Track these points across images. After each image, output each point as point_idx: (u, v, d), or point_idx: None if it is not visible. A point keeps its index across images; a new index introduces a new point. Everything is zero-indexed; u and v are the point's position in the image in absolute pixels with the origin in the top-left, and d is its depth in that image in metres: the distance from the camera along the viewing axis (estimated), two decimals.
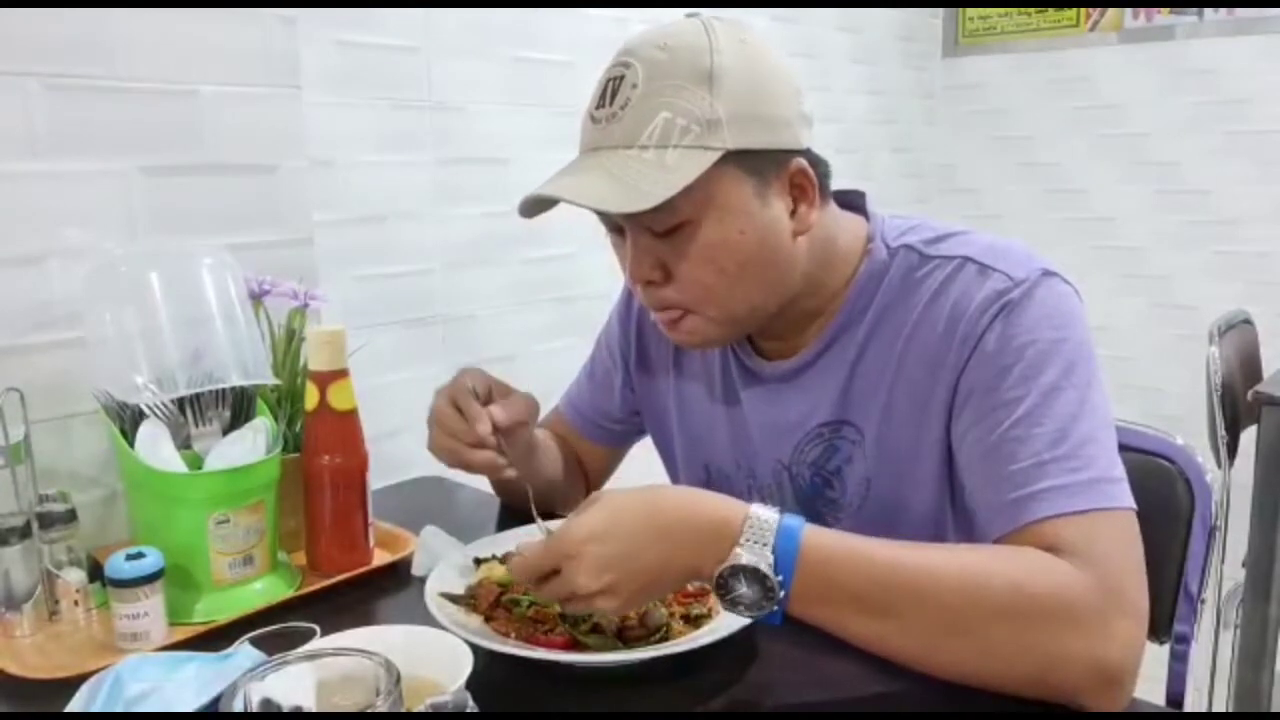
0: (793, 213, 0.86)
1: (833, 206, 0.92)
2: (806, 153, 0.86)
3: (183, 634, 0.87)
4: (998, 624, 0.70)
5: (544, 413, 1.22)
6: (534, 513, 0.92)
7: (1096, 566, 0.71)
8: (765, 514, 0.71)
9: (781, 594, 0.70)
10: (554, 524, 0.95)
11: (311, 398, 0.97)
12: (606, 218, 0.87)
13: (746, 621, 0.78)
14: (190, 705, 0.68)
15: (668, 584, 0.76)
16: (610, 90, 0.83)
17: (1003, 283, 0.82)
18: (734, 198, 0.82)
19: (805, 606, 0.72)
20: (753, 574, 0.70)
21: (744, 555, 0.70)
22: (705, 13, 0.86)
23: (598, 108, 0.84)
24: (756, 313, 0.88)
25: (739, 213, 0.83)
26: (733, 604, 0.72)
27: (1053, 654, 0.70)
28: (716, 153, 0.80)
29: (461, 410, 0.95)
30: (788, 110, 0.84)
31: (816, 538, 0.72)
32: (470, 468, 0.97)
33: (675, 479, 1.12)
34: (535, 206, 0.87)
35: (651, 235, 0.84)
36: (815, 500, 0.95)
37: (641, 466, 1.16)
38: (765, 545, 0.70)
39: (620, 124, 0.81)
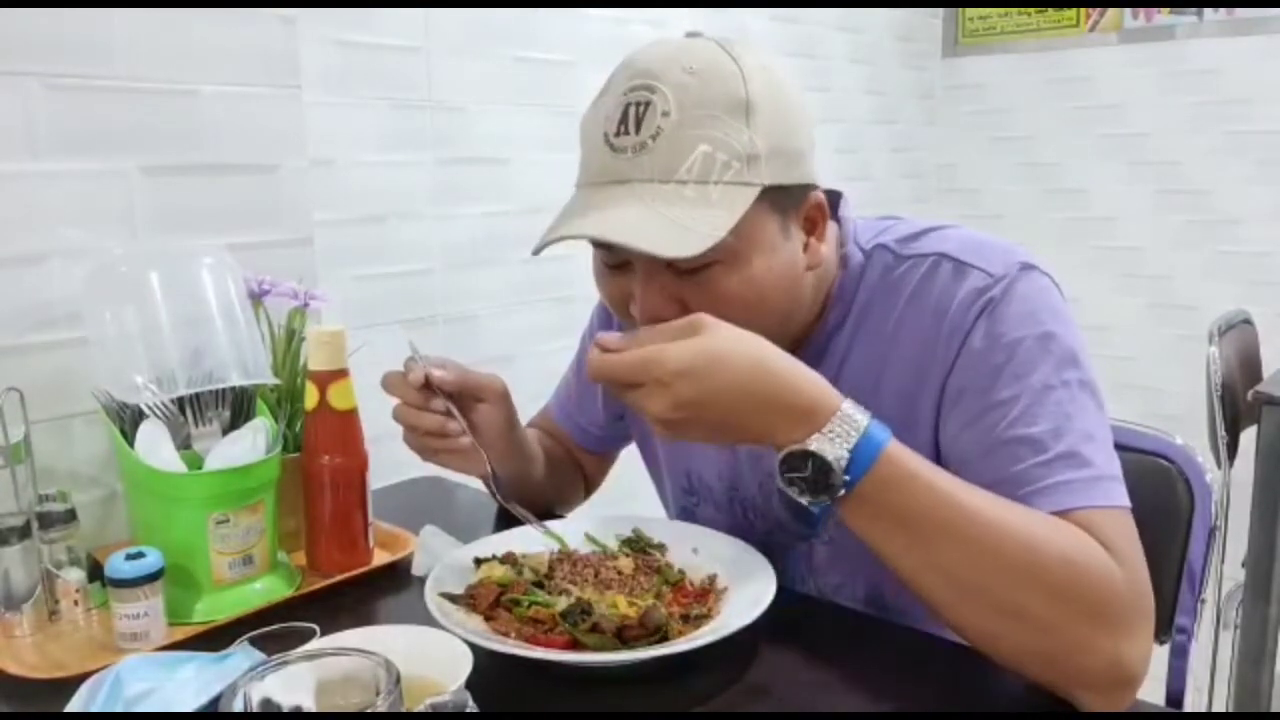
0: (805, 246, 0.85)
1: None
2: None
3: (182, 634, 0.87)
4: (1038, 591, 0.70)
5: (538, 411, 1.23)
6: (493, 488, 0.95)
7: (1123, 563, 0.71)
8: (857, 414, 0.71)
9: (841, 493, 0.70)
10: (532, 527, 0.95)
11: (311, 397, 0.97)
12: (612, 252, 0.82)
13: (746, 621, 0.78)
14: (190, 705, 0.69)
15: (734, 439, 0.74)
16: (635, 116, 0.77)
17: (982, 280, 0.82)
18: (764, 235, 0.80)
19: (858, 513, 0.72)
20: (821, 465, 0.69)
21: (821, 445, 0.69)
22: (708, 34, 0.83)
23: (619, 134, 0.78)
24: None
25: (767, 250, 0.81)
26: (789, 483, 0.71)
27: (1081, 639, 0.69)
28: (756, 189, 0.78)
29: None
30: (806, 142, 0.83)
31: (897, 455, 0.71)
32: (417, 428, 0.93)
33: (660, 485, 1.11)
34: (550, 243, 0.81)
35: (673, 272, 0.80)
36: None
37: (643, 466, 1.16)
38: (847, 442, 0.69)
39: (653, 155, 0.77)
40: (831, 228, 0.90)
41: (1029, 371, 0.78)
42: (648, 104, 0.77)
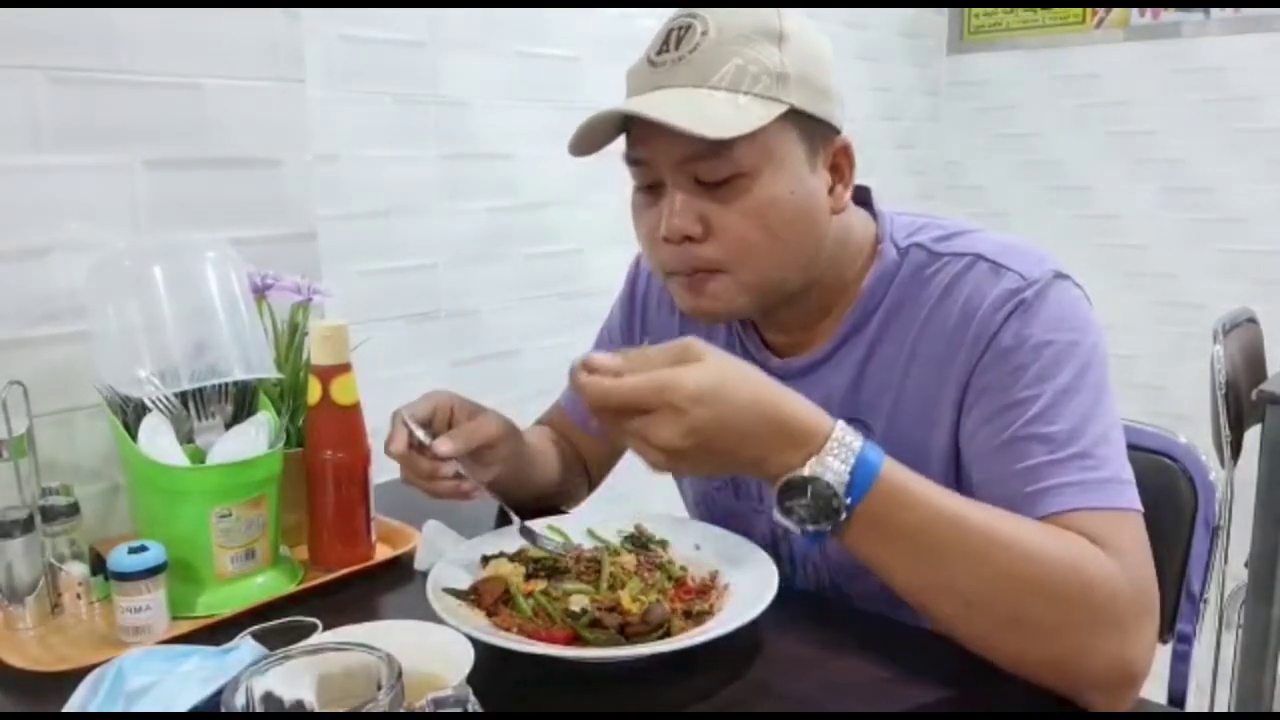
0: (830, 190, 0.87)
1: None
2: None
3: (185, 628, 0.87)
4: (1041, 599, 0.70)
5: (545, 409, 1.23)
6: (510, 513, 0.95)
7: (1126, 564, 0.71)
8: (850, 437, 0.70)
9: (843, 517, 0.69)
10: (535, 523, 0.96)
11: (314, 392, 0.97)
12: (646, 170, 0.85)
13: (748, 618, 0.78)
14: (192, 699, 0.68)
15: (730, 470, 0.76)
16: (675, 38, 0.83)
17: (1016, 281, 0.82)
18: (790, 156, 0.83)
19: (859, 537, 0.71)
20: (822, 490, 0.68)
21: (819, 469, 0.68)
22: None
23: (660, 53, 0.84)
24: (784, 285, 0.87)
25: (791, 172, 0.84)
26: (788, 512, 0.70)
27: (1084, 642, 0.70)
28: (783, 106, 0.81)
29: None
30: (834, 87, 0.86)
31: (893, 474, 0.70)
32: (437, 496, 0.95)
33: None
34: (586, 142, 0.85)
35: (698, 186, 0.83)
36: None
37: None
38: (845, 465, 0.68)
39: (689, 65, 0.82)
40: (865, 216, 0.93)
41: (1053, 374, 0.79)
42: (688, 27, 0.83)
